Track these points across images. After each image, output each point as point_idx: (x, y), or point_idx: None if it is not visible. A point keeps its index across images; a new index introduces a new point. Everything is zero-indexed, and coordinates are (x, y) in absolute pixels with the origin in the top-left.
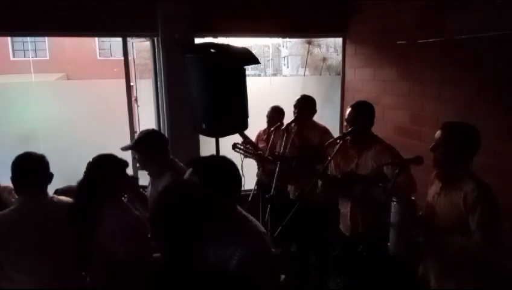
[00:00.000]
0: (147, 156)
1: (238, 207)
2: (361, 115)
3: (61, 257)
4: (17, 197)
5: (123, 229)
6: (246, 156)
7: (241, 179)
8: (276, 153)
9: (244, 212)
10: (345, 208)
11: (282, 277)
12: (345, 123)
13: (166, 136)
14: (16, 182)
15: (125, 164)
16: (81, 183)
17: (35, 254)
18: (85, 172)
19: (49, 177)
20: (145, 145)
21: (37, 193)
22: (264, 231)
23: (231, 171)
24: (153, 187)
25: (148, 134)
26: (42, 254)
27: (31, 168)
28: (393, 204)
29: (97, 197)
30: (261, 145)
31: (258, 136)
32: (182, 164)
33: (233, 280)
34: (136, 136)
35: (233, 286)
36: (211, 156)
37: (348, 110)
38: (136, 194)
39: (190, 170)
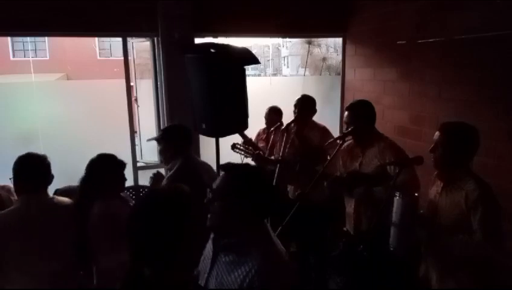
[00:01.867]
0: (168, 149)
1: (267, 224)
2: (358, 115)
3: (61, 257)
4: (16, 197)
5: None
6: (245, 156)
7: (273, 194)
8: (275, 157)
9: (271, 231)
10: (350, 207)
11: None
12: (344, 126)
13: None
14: (18, 182)
15: (123, 164)
16: (83, 181)
17: (36, 254)
18: (86, 171)
19: (50, 178)
20: (167, 139)
21: (38, 193)
22: (286, 254)
23: (263, 184)
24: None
25: (171, 128)
26: (42, 254)
27: (33, 168)
28: (396, 199)
29: (97, 196)
30: (260, 144)
31: (258, 135)
32: (203, 162)
33: None
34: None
35: None
36: (246, 165)
37: (345, 113)
38: None
39: (222, 174)
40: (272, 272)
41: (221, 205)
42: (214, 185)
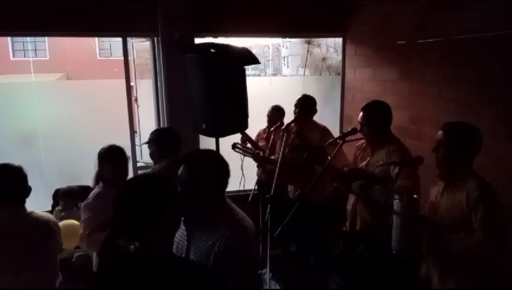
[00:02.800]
0: (156, 152)
1: (227, 199)
2: (372, 116)
3: (36, 272)
4: None
5: None
6: (245, 156)
7: (227, 171)
8: (275, 157)
9: (233, 205)
10: (349, 204)
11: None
12: (358, 126)
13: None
14: None
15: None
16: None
17: (9, 269)
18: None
19: (27, 190)
20: (154, 142)
21: (15, 207)
22: (251, 223)
23: (218, 164)
24: None
25: (159, 132)
26: (16, 270)
27: (8, 181)
28: (395, 201)
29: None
30: (261, 144)
31: (258, 135)
32: None
33: (214, 268)
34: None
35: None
36: (198, 150)
37: (360, 113)
38: None
39: (183, 166)
40: (239, 236)
41: (189, 193)
42: (179, 177)
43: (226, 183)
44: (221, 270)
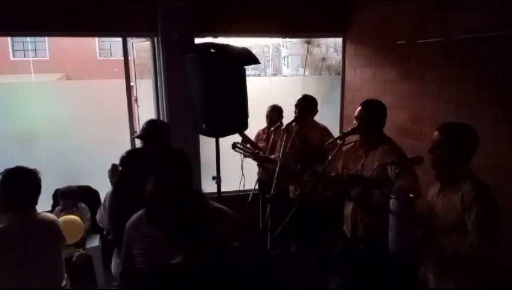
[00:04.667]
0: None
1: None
2: (370, 113)
3: (49, 273)
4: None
5: None
6: (245, 156)
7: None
8: (275, 156)
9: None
10: (348, 210)
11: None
12: (354, 121)
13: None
14: (6, 198)
15: None
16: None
17: (23, 270)
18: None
19: (39, 193)
20: (147, 136)
21: (28, 209)
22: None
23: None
24: None
25: (149, 124)
26: (33, 272)
27: (24, 184)
28: (392, 201)
29: None
30: (260, 144)
31: (258, 135)
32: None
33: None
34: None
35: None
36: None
37: (359, 108)
38: None
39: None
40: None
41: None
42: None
43: None
44: None
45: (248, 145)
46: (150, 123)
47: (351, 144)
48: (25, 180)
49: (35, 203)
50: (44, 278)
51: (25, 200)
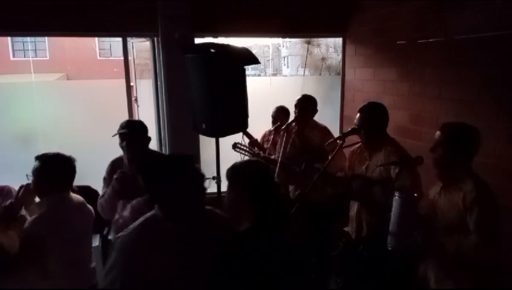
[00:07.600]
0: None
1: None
2: (369, 118)
3: (86, 250)
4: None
5: None
6: (246, 156)
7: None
8: (275, 156)
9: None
10: (353, 211)
11: None
12: (355, 121)
13: (162, 134)
14: (46, 182)
15: None
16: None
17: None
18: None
19: (74, 178)
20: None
21: (65, 193)
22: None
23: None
24: None
25: (127, 123)
26: (69, 254)
27: (64, 169)
28: (395, 199)
29: None
30: (266, 145)
31: (264, 136)
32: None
33: None
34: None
35: None
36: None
37: (357, 114)
38: None
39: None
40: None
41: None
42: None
43: None
44: None
45: (248, 145)
46: (129, 124)
47: (357, 145)
48: (62, 165)
49: (71, 187)
50: (79, 259)
51: (62, 184)
